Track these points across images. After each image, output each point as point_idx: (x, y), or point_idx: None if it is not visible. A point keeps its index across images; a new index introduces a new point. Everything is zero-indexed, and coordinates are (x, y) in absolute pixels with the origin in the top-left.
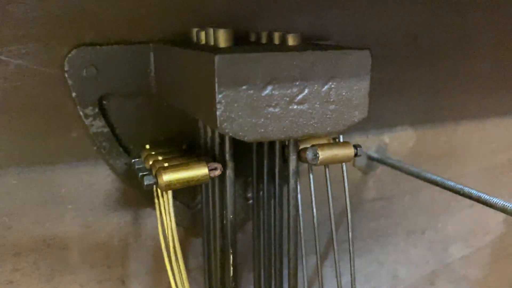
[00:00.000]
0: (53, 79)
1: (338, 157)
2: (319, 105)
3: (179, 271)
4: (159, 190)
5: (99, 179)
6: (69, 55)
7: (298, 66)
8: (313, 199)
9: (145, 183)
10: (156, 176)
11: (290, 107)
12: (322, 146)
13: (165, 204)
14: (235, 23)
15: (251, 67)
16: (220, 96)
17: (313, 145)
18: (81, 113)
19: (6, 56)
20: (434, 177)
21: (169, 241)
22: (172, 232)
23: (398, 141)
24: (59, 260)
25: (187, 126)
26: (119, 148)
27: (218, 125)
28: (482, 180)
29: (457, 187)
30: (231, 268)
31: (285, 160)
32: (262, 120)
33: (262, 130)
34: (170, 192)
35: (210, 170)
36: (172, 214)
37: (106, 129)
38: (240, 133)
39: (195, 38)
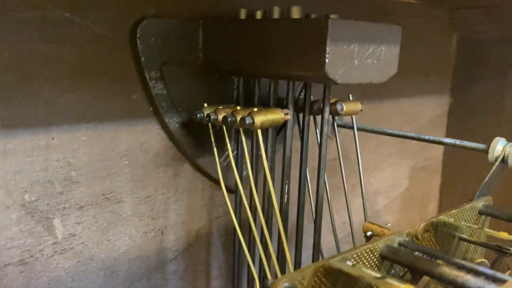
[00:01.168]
0: (121, 46)
1: (353, 110)
2: (376, 61)
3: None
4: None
5: (150, 137)
6: (142, 24)
7: (369, 31)
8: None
9: (247, 122)
10: (252, 117)
11: (362, 60)
12: (343, 101)
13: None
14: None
15: (346, 29)
16: (328, 49)
17: (338, 101)
18: (147, 75)
19: (86, 21)
20: (394, 131)
21: (265, 170)
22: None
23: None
24: (114, 214)
25: (226, 90)
26: (173, 108)
27: (326, 70)
28: (397, 144)
29: (414, 135)
30: (285, 196)
31: (312, 113)
32: (349, 68)
33: (348, 76)
34: (259, 131)
35: (285, 114)
36: (263, 149)
37: (164, 91)
38: (336, 77)
39: (243, 15)
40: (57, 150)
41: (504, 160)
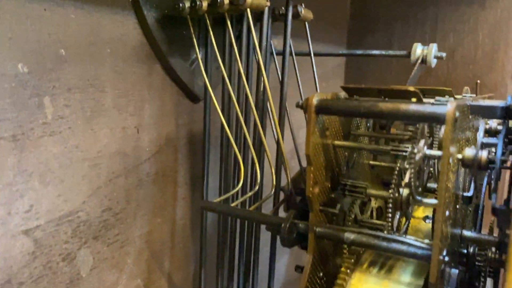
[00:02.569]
0: None
1: (307, 16)
2: None
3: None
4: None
5: (128, 30)
6: None
7: None
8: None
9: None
10: None
11: None
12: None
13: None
14: None
15: None
16: None
17: (298, 5)
18: None
19: None
20: (331, 52)
21: (258, 57)
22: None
23: None
24: (98, 102)
25: None
26: (152, 1)
27: None
28: None
29: (347, 52)
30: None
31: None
32: None
33: None
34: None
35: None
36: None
37: None
38: None
39: None
40: (49, 24)
41: (423, 61)
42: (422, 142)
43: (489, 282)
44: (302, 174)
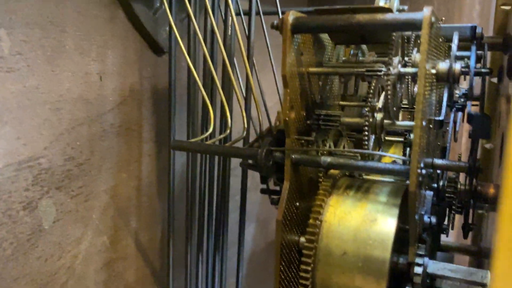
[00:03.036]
0: None
1: None
2: None
3: None
4: None
5: None
6: None
7: None
8: None
9: None
10: None
11: None
12: None
13: None
14: None
15: None
16: None
17: None
18: None
19: None
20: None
21: None
22: None
23: None
24: (59, 42)
25: None
26: None
27: None
28: None
29: None
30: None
31: None
32: None
33: None
34: None
35: None
36: None
37: None
38: None
39: None
40: None
41: None
42: (396, 59)
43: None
44: (270, 130)
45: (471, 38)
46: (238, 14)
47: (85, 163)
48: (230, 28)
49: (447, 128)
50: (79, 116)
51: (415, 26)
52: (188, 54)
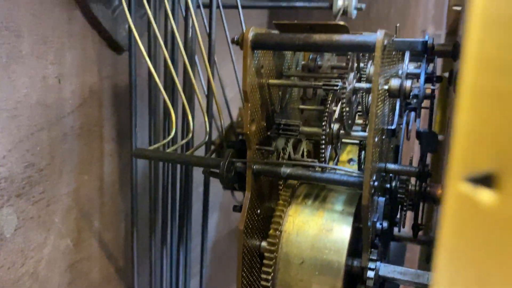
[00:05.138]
0: None
1: None
2: None
3: None
4: None
5: None
6: None
7: None
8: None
9: None
10: None
11: None
12: None
13: None
14: None
15: None
16: None
17: None
18: None
19: None
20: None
21: None
22: None
23: None
24: (14, 48)
25: None
26: None
27: None
28: None
29: (284, 4)
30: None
31: None
32: None
33: None
34: None
35: None
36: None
37: None
38: None
39: None
40: None
41: (344, 12)
42: (351, 75)
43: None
44: (232, 126)
45: (422, 53)
46: (198, 7)
47: (45, 168)
48: (190, 26)
49: (401, 127)
50: (38, 121)
51: (368, 48)
52: (149, 52)
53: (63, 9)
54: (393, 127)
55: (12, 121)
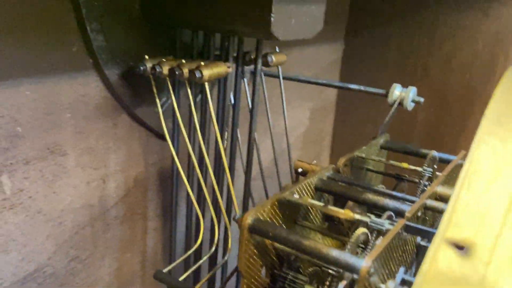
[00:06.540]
0: None
1: (280, 61)
2: (308, 19)
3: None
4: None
5: (89, 90)
6: None
7: None
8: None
9: (196, 76)
10: (201, 71)
11: (298, 18)
12: (273, 53)
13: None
14: None
15: None
16: (273, 9)
17: (268, 53)
18: (88, 27)
19: None
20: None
21: (212, 119)
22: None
23: None
24: (59, 166)
25: (163, 42)
26: (113, 60)
27: (271, 29)
28: (299, 88)
29: (326, 82)
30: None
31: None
32: (288, 26)
33: (287, 33)
34: (207, 84)
35: (227, 67)
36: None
37: (105, 43)
38: (279, 35)
39: None
40: (1, 106)
41: (400, 103)
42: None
43: None
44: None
45: None
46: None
47: (88, 257)
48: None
49: None
50: (82, 221)
51: (353, 270)
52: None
53: (108, 118)
54: None
55: (57, 228)
